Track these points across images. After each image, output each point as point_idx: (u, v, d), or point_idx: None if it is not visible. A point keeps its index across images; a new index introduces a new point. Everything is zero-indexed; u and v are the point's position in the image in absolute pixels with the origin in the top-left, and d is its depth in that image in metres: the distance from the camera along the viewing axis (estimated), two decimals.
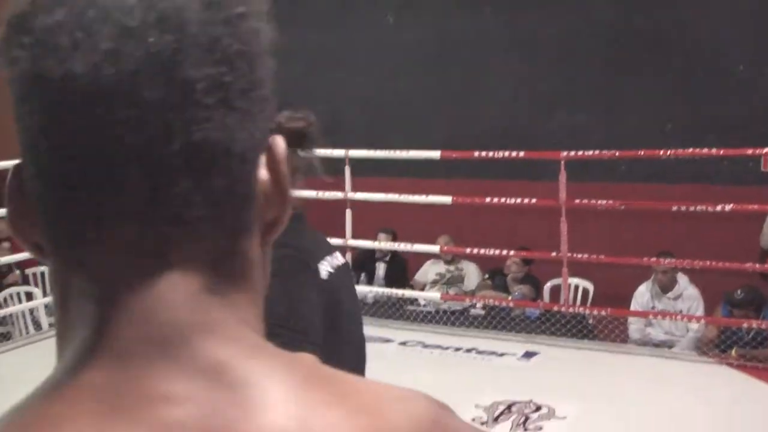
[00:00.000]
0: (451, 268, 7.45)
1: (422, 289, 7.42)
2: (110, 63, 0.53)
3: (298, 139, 2.12)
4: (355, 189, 6.86)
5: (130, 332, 0.55)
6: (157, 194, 0.55)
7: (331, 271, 2.14)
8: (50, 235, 0.57)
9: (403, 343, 6.32)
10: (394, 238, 7.50)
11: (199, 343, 0.55)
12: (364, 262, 7.65)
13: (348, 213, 6.88)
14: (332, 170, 7.29)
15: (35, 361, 6.38)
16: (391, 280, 7.52)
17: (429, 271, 7.52)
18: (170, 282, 0.56)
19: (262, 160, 0.60)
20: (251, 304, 0.61)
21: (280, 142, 0.62)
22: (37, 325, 7.45)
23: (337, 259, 2.21)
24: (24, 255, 7.30)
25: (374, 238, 7.38)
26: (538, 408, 4.82)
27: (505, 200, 6.43)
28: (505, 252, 6.64)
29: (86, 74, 0.53)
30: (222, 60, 0.56)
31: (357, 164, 6.99)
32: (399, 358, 5.98)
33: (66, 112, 0.54)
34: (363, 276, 7.56)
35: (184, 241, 0.56)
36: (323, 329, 2.01)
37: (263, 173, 0.60)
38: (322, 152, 7.20)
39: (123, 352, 0.54)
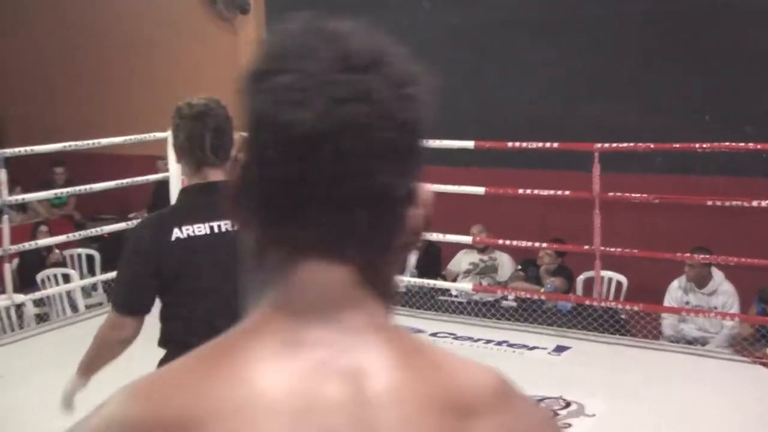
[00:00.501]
0: (485, 257, 7.44)
1: (454, 279, 7.42)
2: (322, 120, 0.78)
3: None
4: None
5: (305, 299, 0.82)
6: (342, 212, 0.80)
7: (182, 236, 2.60)
8: (265, 225, 0.84)
9: (434, 335, 6.33)
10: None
11: (345, 314, 0.83)
12: None
13: None
14: None
15: (72, 342, 6.49)
16: (423, 270, 7.53)
17: (462, 260, 7.52)
18: (338, 272, 0.83)
19: (416, 199, 0.86)
20: (382, 297, 0.86)
21: (427, 190, 0.89)
22: (74, 308, 7.57)
23: (200, 227, 2.62)
24: (61, 238, 7.43)
25: None
26: (568, 404, 4.82)
27: (539, 191, 6.40)
28: (537, 244, 6.61)
29: (308, 123, 0.78)
30: (397, 127, 0.81)
31: None
32: None
33: (289, 146, 0.79)
34: None
35: (349, 247, 0.83)
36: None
37: (415, 211, 0.86)
38: None
39: (297, 311, 0.82)
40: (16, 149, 6.63)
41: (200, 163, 2.68)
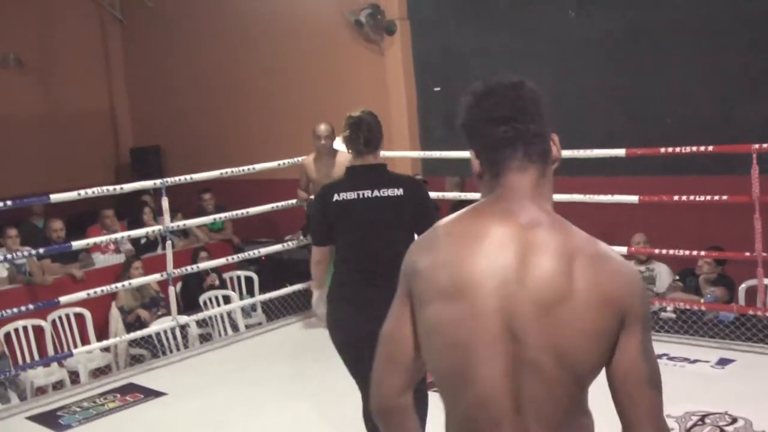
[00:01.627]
0: (642, 268, 7.21)
1: None
2: (505, 113, 1.75)
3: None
4: None
5: (512, 194, 1.73)
6: (528, 147, 1.74)
7: (340, 200, 3.94)
8: (485, 163, 1.78)
9: None
10: None
11: (535, 203, 1.73)
12: None
13: None
14: None
15: (233, 361, 6.76)
16: None
17: None
18: (527, 178, 1.74)
19: (554, 142, 1.83)
20: (548, 194, 1.79)
21: (555, 137, 1.84)
22: (235, 327, 7.84)
23: (363, 192, 3.94)
24: (221, 261, 7.72)
25: None
26: (734, 420, 4.59)
27: (695, 197, 6.15)
28: (696, 252, 6.34)
29: (501, 115, 1.76)
30: (538, 112, 1.79)
31: None
32: None
33: (493, 128, 1.75)
34: None
35: (531, 164, 1.74)
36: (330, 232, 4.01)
37: (554, 148, 1.82)
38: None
39: (508, 200, 1.74)
40: (178, 177, 6.95)
41: (358, 152, 4.02)
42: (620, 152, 6.50)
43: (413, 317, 1.75)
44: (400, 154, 8.15)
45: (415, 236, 3.73)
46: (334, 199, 3.94)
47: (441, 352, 1.69)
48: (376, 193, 3.92)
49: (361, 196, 3.92)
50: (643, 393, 1.66)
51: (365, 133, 3.96)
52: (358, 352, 3.68)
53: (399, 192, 3.91)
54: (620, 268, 1.67)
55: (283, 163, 7.66)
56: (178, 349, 7.25)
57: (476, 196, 7.06)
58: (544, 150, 1.75)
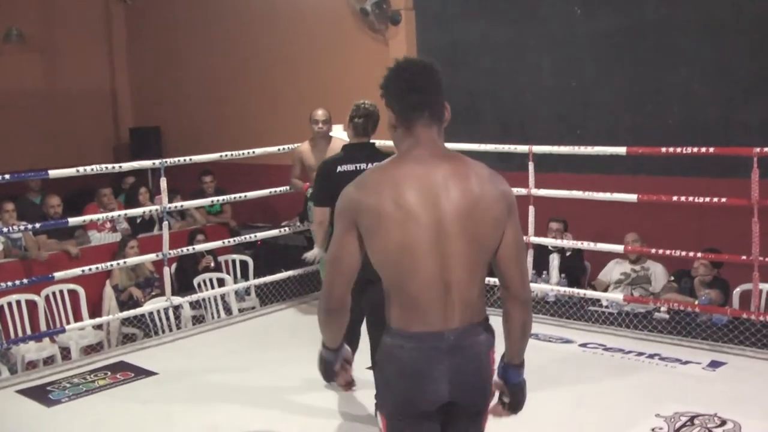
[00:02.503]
0: (637, 267, 7.22)
1: (605, 289, 7.23)
2: (418, 90, 2.54)
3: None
4: (538, 185, 6.78)
5: (423, 142, 2.51)
6: (432, 110, 2.54)
7: (343, 171, 4.83)
8: (401, 120, 2.54)
9: (584, 345, 6.19)
10: (566, 227, 7.44)
11: (437, 146, 2.52)
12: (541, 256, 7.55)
13: (531, 210, 6.80)
14: (516, 165, 7.29)
15: (225, 343, 6.76)
16: (568, 272, 7.41)
17: (614, 270, 7.31)
18: (432, 132, 2.53)
19: (446, 109, 2.58)
20: (443, 144, 2.57)
21: (447, 106, 2.58)
22: (228, 311, 7.83)
23: (359, 166, 4.85)
24: (217, 243, 7.71)
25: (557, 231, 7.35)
26: (723, 422, 4.58)
27: (694, 198, 6.15)
28: (692, 254, 6.34)
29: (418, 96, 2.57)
30: (440, 81, 2.56)
31: (541, 159, 6.90)
32: (579, 361, 5.86)
33: (411, 95, 2.52)
34: (544, 274, 7.45)
35: (434, 122, 2.52)
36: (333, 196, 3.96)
37: (446, 113, 2.58)
38: (506, 148, 7.34)
39: (422, 146, 2.51)
40: (176, 159, 6.94)
41: (355, 134, 5.06)
42: (621, 150, 6.49)
43: (359, 242, 2.46)
44: None
45: None
46: (338, 170, 4.88)
47: (394, 254, 2.41)
48: (369, 165, 4.73)
49: (358, 168, 4.85)
50: (518, 260, 2.56)
51: (372, 123, 5.06)
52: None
53: None
54: (504, 180, 2.56)
55: (283, 149, 7.65)
56: (171, 330, 7.24)
57: None
58: (442, 113, 2.54)
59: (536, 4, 8.30)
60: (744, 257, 5.92)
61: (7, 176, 6.20)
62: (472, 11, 8.70)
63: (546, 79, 8.28)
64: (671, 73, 7.51)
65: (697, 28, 7.34)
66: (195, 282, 8.01)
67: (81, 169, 6.27)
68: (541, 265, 7.45)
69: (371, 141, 5.08)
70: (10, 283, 6.10)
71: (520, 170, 6.92)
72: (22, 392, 5.59)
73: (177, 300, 7.10)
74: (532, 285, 6.94)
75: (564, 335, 6.46)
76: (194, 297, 7.40)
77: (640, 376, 5.52)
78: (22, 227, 6.89)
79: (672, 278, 6.94)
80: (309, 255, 5.83)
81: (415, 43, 9.21)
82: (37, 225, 6.86)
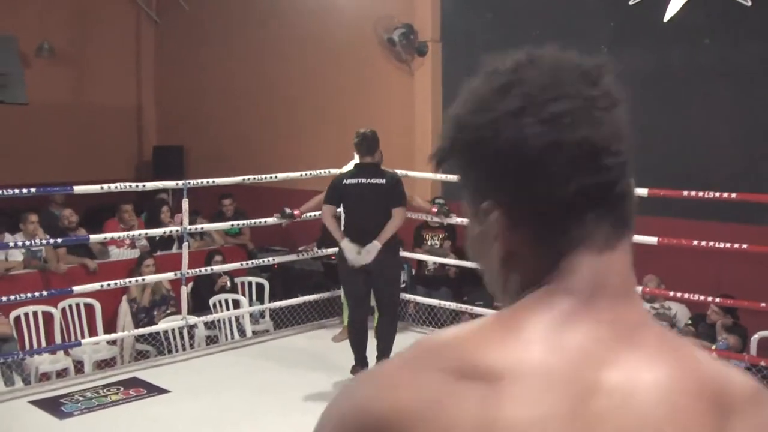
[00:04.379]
0: (656, 305, 7.18)
1: None
2: (601, 130, 0.95)
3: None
4: None
5: (592, 286, 0.93)
6: (620, 209, 0.95)
7: (347, 183, 6.13)
8: (540, 232, 0.94)
9: None
10: None
11: (631, 303, 0.95)
12: None
13: None
14: None
15: (238, 365, 6.77)
16: None
17: None
18: (628, 256, 0.97)
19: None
20: (635, 278, 0.99)
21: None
22: (242, 332, 7.84)
23: (361, 180, 6.12)
24: (235, 265, 7.74)
25: None
26: None
27: (714, 244, 6.14)
28: (710, 299, 6.31)
29: (592, 135, 0.93)
30: (627, 126, 1.01)
31: None
32: None
33: (579, 162, 0.92)
34: None
35: (623, 238, 0.96)
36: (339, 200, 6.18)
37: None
38: None
39: (585, 296, 0.92)
40: (199, 180, 6.99)
41: (362, 156, 6.20)
42: (642, 192, 6.48)
43: None
44: (422, 174, 8.17)
45: (392, 210, 6.05)
46: (344, 183, 6.14)
47: None
48: (369, 180, 6.08)
49: (360, 181, 6.09)
50: None
51: (367, 144, 6.14)
52: (351, 277, 6.14)
53: (382, 181, 6.09)
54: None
55: (306, 174, 7.68)
56: (184, 349, 7.25)
57: None
58: (634, 205, 0.99)
59: (562, 42, 8.26)
60: (763, 304, 5.89)
61: (33, 189, 6.27)
62: (499, 46, 8.62)
63: None
64: (695, 116, 7.53)
65: (722, 74, 7.36)
66: (210, 302, 8.03)
67: (105, 186, 6.34)
68: None
69: (377, 162, 6.24)
70: (29, 295, 6.15)
71: None
72: (34, 403, 5.61)
73: (192, 319, 7.13)
74: None
75: None
76: (209, 317, 7.43)
77: None
78: (45, 241, 6.95)
79: (689, 322, 6.90)
80: (343, 246, 6.11)
81: (440, 75, 9.28)
82: (59, 240, 6.92)
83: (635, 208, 0.97)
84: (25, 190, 6.11)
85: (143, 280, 7.21)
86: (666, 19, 7.54)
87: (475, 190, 0.98)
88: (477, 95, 1.00)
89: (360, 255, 5.99)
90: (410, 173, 7.50)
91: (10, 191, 6.07)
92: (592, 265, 0.93)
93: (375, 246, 5.95)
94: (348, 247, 6.03)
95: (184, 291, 7.01)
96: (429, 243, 8.50)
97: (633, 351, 0.90)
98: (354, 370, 6.04)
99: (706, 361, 0.94)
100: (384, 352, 6.10)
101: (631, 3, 7.72)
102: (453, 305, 7.59)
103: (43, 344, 7.07)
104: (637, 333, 0.92)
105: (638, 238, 6.23)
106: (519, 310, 0.93)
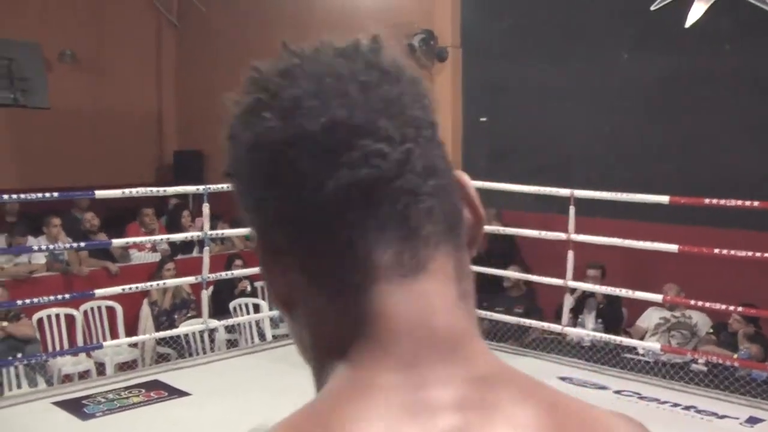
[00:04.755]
0: (677, 314, 7.15)
1: (642, 336, 7.17)
2: (361, 109, 0.67)
3: None
4: (578, 228, 6.77)
5: (409, 337, 0.65)
6: (409, 210, 0.66)
7: None
8: (312, 265, 0.67)
9: (618, 392, 6.14)
10: (603, 274, 7.39)
11: (471, 349, 0.67)
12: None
13: (570, 255, 6.79)
14: (554, 208, 7.32)
15: (258, 368, 6.84)
16: (605, 318, 7.37)
17: (652, 316, 7.26)
18: (434, 290, 0.66)
19: (465, 192, 0.74)
20: (475, 312, 0.70)
21: (464, 174, 0.74)
22: (262, 336, 7.87)
23: None
24: (254, 270, 7.76)
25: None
26: None
27: (735, 252, 6.11)
28: (731, 308, 6.28)
29: (345, 118, 0.67)
30: (422, 105, 0.71)
31: (579, 203, 6.90)
32: (613, 408, 5.78)
33: (327, 153, 0.66)
34: (580, 318, 7.42)
35: (435, 251, 0.67)
36: None
37: (468, 207, 0.74)
38: (547, 190, 7.40)
39: (406, 355, 0.64)
40: (220, 186, 7.02)
41: None
42: (664, 199, 6.48)
43: None
44: None
45: None
46: None
47: None
48: None
49: None
50: None
51: None
52: None
53: None
54: None
55: None
56: (205, 352, 7.29)
57: (517, 231, 7.10)
58: (451, 211, 0.71)
59: (583, 48, 8.34)
60: None
61: (55, 194, 6.32)
62: (519, 52, 8.76)
63: (589, 122, 8.29)
64: (718, 122, 7.49)
65: (744, 80, 7.33)
66: (231, 306, 8.07)
67: (127, 190, 6.39)
68: (577, 310, 7.42)
69: None
70: (52, 297, 6.19)
71: (558, 213, 6.93)
72: (57, 404, 5.65)
73: (213, 323, 7.16)
74: (568, 329, 6.93)
75: (598, 381, 6.42)
76: (230, 321, 7.46)
77: (675, 427, 5.46)
78: (67, 245, 7.01)
79: (710, 331, 6.87)
80: None
81: (460, 81, 9.29)
82: (82, 243, 6.97)
83: (455, 214, 0.70)
84: (48, 194, 6.16)
85: (164, 283, 7.25)
86: (687, 25, 7.54)
87: (243, 213, 0.73)
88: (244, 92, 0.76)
89: None
90: None
91: (33, 195, 6.13)
92: (398, 307, 0.65)
93: None
94: None
95: (205, 295, 7.04)
96: None
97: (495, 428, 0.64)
98: None
99: (590, 421, 0.73)
100: None
101: (652, 9, 7.71)
102: None
103: (66, 346, 7.13)
104: (493, 404, 0.65)
105: (659, 246, 6.25)
106: (327, 409, 0.65)
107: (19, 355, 6.35)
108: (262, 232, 0.71)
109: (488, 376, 0.66)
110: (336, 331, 0.67)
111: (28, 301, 6.05)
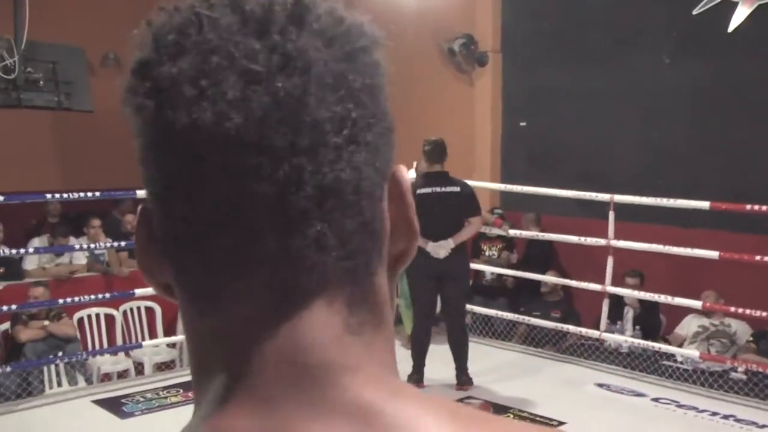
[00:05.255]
0: (716, 322, 7.06)
1: (681, 343, 7.09)
2: (237, 111, 0.53)
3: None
4: (618, 234, 6.72)
5: (273, 374, 0.55)
6: (290, 238, 0.54)
7: (421, 193, 5.89)
8: (181, 278, 0.58)
9: (656, 400, 6.08)
10: (642, 281, 7.31)
11: (345, 385, 0.55)
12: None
13: (609, 260, 6.74)
14: (595, 213, 7.25)
15: None
16: (643, 325, 7.29)
17: (691, 323, 7.17)
18: (309, 323, 0.55)
19: (386, 190, 0.60)
20: (386, 341, 0.60)
21: (403, 171, 0.62)
22: None
23: (435, 189, 6.05)
24: None
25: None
26: None
27: None
28: None
29: (213, 123, 0.53)
30: (347, 96, 0.56)
31: (619, 208, 6.85)
32: (650, 415, 5.76)
33: (194, 162, 0.54)
34: (617, 324, 7.35)
35: (319, 282, 0.56)
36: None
37: (387, 205, 0.60)
38: (586, 195, 7.33)
39: (267, 396, 0.54)
40: None
41: (432, 163, 6.14)
42: (704, 205, 6.41)
43: None
44: (480, 184, 8.16)
45: (468, 218, 6.15)
46: (417, 192, 5.82)
47: None
48: (443, 189, 6.05)
49: (433, 190, 6.02)
50: None
51: (439, 151, 6.14)
52: (422, 286, 6.09)
53: (456, 189, 6.12)
54: None
55: None
56: None
57: (556, 237, 7.07)
58: (355, 232, 0.58)
59: (624, 53, 8.27)
60: None
61: (97, 193, 6.41)
62: (559, 57, 8.72)
63: (629, 127, 8.22)
64: (759, 127, 7.40)
65: None
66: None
67: None
68: (615, 316, 7.35)
69: (446, 171, 6.16)
70: (92, 297, 6.28)
71: (598, 218, 6.88)
72: (97, 402, 5.73)
73: None
74: (606, 335, 6.87)
75: (636, 388, 6.36)
76: None
77: None
78: (107, 245, 7.11)
79: (750, 339, 6.78)
80: (429, 249, 5.95)
81: (500, 85, 9.27)
82: (123, 243, 7.06)
83: (361, 235, 0.58)
84: (89, 194, 6.25)
85: None
86: (730, 29, 7.45)
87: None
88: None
89: (439, 245, 5.96)
90: (469, 183, 7.50)
91: (75, 195, 6.22)
92: (265, 343, 0.55)
93: (449, 243, 5.98)
94: (428, 242, 5.90)
95: None
96: (487, 253, 8.47)
97: None
98: (410, 379, 6.05)
99: None
100: (462, 364, 6.27)
101: (694, 13, 7.63)
102: (510, 316, 7.56)
103: (105, 345, 7.22)
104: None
105: (699, 252, 6.17)
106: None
107: (60, 354, 6.45)
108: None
109: (363, 413, 0.54)
110: (205, 353, 0.59)
111: (69, 300, 6.15)
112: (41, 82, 8.23)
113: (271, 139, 0.53)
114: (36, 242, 7.91)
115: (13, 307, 6.08)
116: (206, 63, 0.53)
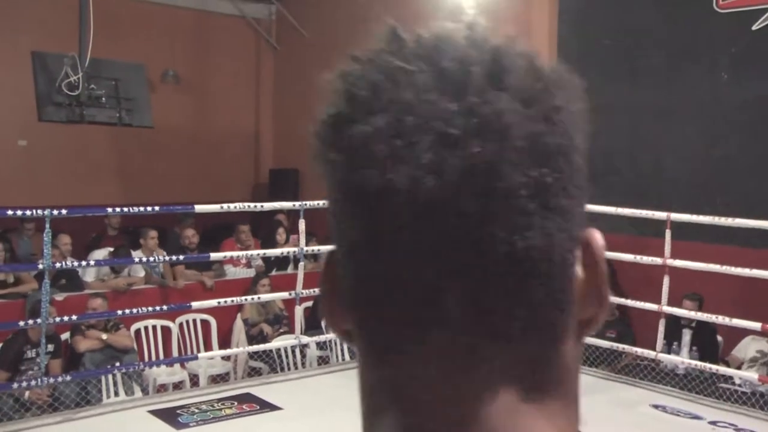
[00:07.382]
0: None
1: (739, 366, 6.96)
2: (431, 174, 0.52)
3: None
4: (675, 253, 6.63)
5: None
6: (476, 306, 0.53)
7: None
8: (362, 329, 0.58)
9: (713, 423, 5.97)
10: (701, 305, 7.17)
11: None
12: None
13: (666, 280, 6.65)
14: (651, 232, 7.17)
15: (349, 387, 6.92)
16: (700, 346, 7.16)
17: (749, 346, 7.04)
18: (486, 392, 0.54)
19: (578, 255, 0.57)
20: (566, 410, 0.59)
21: (597, 237, 0.59)
22: (353, 355, 7.92)
23: None
24: None
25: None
26: None
27: None
28: None
29: (407, 186, 0.52)
30: (542, 159, 0.54)
31: (676, 226, 6.76)
32: None
33: (386, 223, 0.53)
34: (674, 345, 7.24)
35: (500, 351, 0.54)
36: None
37: (579, 271, 0.57)
38: (643, 213, 7.29)
39: None
40: (316, 202, 7.12)
41: None
42: (765, 224, 6.29)
43: None
44: None
45: None
46: None
47: None
48: None
49: None
50: None
51: None
52: None
53: None
54: None
55: None
56: (296, 368, 7.38)
57: (615, 256, 6.91)
58: (553, 292, 0.56)
59: (681, 68, 8.19)
60: None
61: (156, 207, 6.53)
62: (615, 72, 8.65)
63: (687, 144, 8.12)
64: None
65: None
66: (323, 323, 8.15)
67: (225, 205, 6.55)
68: (672, 337, 7.24)
69: None
70: (150, 309, 6.39)
71: (654, 236, 6.80)
72: (153, 412, 5.81)
73: (305, 339, 7.25)
74: (662, 356, 6.77)
75: (693, 410, 6.25)
76: (322, 338, 7.54)
77: None
78: (161, 258, 7.24)
79: None
80: None
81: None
82: (181, 257, 7.18)
83: (546, 311, 0.56)
84: (149, 208, 6.37)
85: (259, 298, 7.39)
86: None
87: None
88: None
89: None
90: None
91: (135, 209, 6.35)
92: (448, 411, 0.55)
93: None
94: None
95: (299, 311, 7.15)
96: None
97: None
98: None
99: None
100: None
101: (754, 28, 7.52)
102: None
103: (162, 357, 7.32)
104: None
105: (759, 273, 6.06)
106: None
107: (117, 364, 6.57)
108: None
109: None
110: (376, 400, 0.58)
111: (127, 311, 6.27)
112: (103, 99, 8.41)
113: (463, 204, 0.52)
114: (97, 254, 8.07)
115: (74, 317, 6.21)
116: (401, 123, 0.53)
